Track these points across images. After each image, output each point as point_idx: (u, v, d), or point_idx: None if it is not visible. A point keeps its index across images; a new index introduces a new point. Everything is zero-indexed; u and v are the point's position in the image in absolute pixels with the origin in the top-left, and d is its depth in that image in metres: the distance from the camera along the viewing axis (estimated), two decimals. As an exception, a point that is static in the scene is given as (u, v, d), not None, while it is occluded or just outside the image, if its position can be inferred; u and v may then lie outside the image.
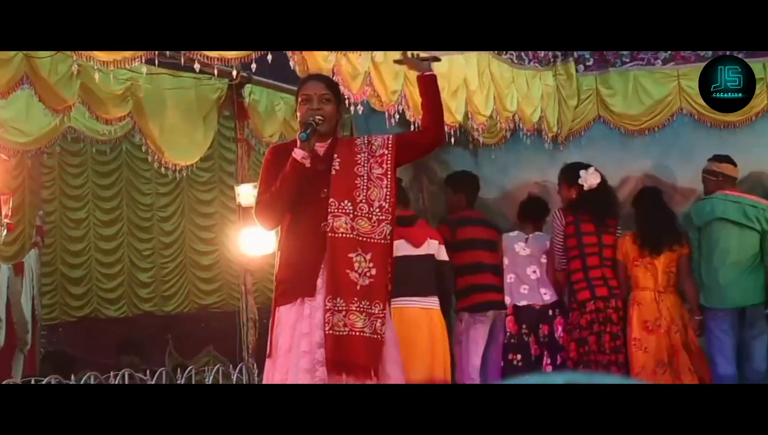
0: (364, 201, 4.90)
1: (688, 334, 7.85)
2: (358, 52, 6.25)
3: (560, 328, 8.10)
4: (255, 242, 8.20)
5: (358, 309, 4.80)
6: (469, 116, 7.78)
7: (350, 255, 4.83)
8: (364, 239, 4.87)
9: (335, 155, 4.99)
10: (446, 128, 7.58)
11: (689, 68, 8.99)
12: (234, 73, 7.34)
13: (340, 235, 4.85)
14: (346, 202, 4.89)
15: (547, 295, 8.17)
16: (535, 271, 8.18)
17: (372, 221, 4.90)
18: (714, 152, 8.55)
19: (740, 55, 7.31)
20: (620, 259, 8.01)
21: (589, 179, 8.00)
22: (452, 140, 7.88)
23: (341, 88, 6.61)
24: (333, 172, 4.94)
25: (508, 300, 8.08)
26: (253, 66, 6.38)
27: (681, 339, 7.85)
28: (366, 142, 5.09)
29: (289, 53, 6.12)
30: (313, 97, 5.00)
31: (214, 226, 12.89)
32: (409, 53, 5.21)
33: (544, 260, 8.21)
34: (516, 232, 8.31)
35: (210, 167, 12.51)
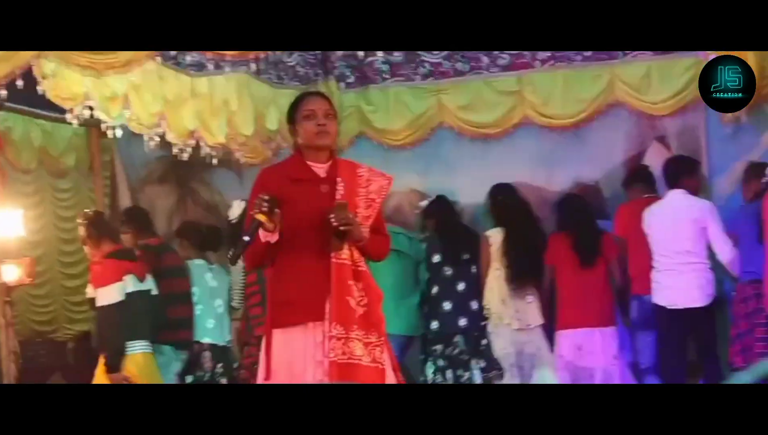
0: None
1: None
2: (115, 75, 6.08)
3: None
4: (13, 273, 7.91)
5: (356, 337, 4.66)
6: (231, 137, 7.70)
7: (350, 282, 4.71)
8: (357, 268, 4.76)
9: (339, 179, 4.80)
10: (210, 150, 7.52)
11: (448, 83, 9.17)
12: (-16, 100, 7.05)
13: (342, 261, 4.71)
14: None
15: (228, 337, 7.90)
16: (220, 306, 7.85)
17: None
18: (475, 165, 8.76)
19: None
20: None
21: (234, 211, 7.97)
22: (215, 161, 7.79)
23: (98, 112, 6.48)
24: (338, 198, 4.75)
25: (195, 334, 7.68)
26: (3, 92, 6.13)
27: None
28: (366, 177, 4.89)
29: (39, 78, 5.93)
30: (317, 113, 4.78)
31: (-29, 258, 12.37)
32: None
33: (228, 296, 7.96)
34: (202, 261, 7.90)
35: (-35, 197, 12.01)
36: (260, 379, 4.69)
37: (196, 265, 7.77)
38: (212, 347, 7.67)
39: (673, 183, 7.97)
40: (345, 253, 4.69)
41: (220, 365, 7.70)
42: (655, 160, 8.63)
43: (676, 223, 7.79)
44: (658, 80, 8.78)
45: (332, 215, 4.60)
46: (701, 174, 8.29)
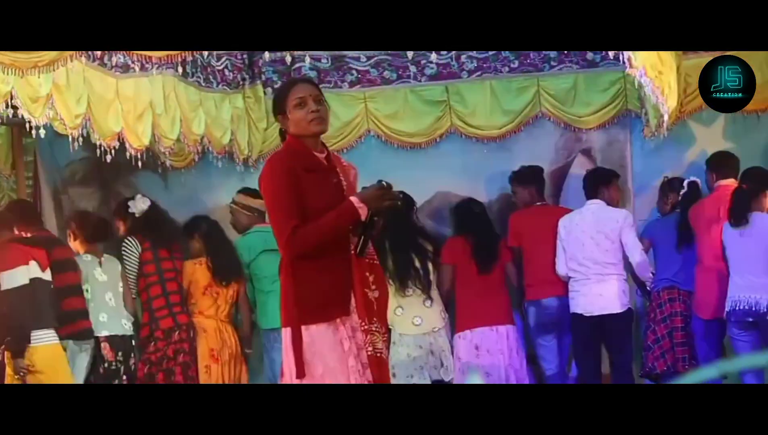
0: None
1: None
2: (38, 74, 5.99)
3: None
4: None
5: (376, 330, 4.67)
6: (157, 139, 7.63)
7: (366, 274, 4.70)
8: (372, 261, 4.76)
9: (337, 169, 4.80)
10: (134, 152, 7.43)
11: (376, 90, 9.17)
12: None
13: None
14: None
15: (128, 325, 7.75)
16: (111, 299, 7.71)
17: None
18: (401, 173, 8.79)
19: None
20: (186, 284, 8.08)
21: (138, 205, 7.97)
22: (140, 164, 7.71)
23: (22, 112, 6.38)
24: (345, 185, 4.77)
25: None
26: None
27: (244, 369, 8.21)
28: (346, 166, 4.94)
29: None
30: (308, 100, 4.74)
31: None
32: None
33: (120, 288, 7.83)
34: (90, 257, 7.73)
35: None
36: (288, 378, 4.62)
37: (84, 260, 7.64)
38: (109, 338, 7.54)
39: (592, 193, 8.14)
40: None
41: (120, 353, 7.57)
42: (580, 172, 8.76)
43: (595, 234, 8.00)
44: (584, 93, 8.90)
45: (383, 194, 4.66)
46: (620, 186, 8.44)
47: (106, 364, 7.52)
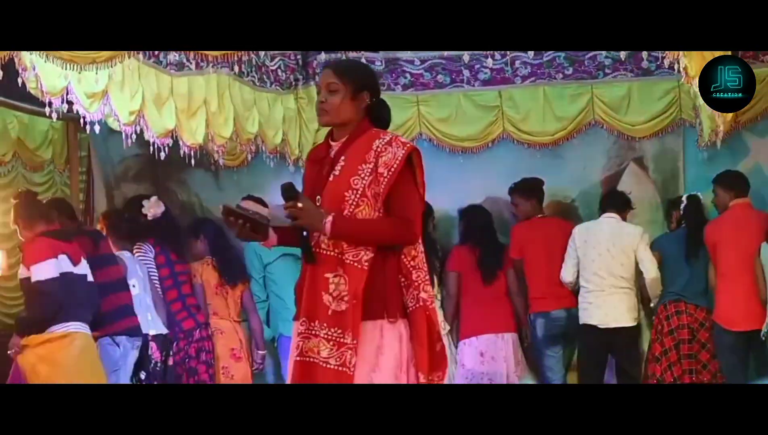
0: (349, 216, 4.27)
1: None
2: (95, 70, 6.05)
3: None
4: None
5: (327, 336, 4.18)
6: (210, 138, 7.65)
7: (327, 275, 4.22)
8: (345, 259, 4.23)
9: (343, 157, 4.34)
10: (188, 150, 7.46)
11: (429, 94, 9.16)
12: (-39, 90, 6.96)
13: (321, 250, 4.27)
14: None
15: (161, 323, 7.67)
16: (148, 297, 7.64)
17: None
18: (453, 178, 8.77)
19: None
20: (199, 282, 8.08)
21: (152, 209, 7.98)
22: (192, 162, 7.75)
23: (77, 107, 6.41)
24: (331, 178, 4.33)
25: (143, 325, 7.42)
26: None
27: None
28: (378, 150, 4.28)
29: (20, 70, 5.87)
30: (321, 88, 4.39)
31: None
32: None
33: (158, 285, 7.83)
34: (128, 254, 7.64)
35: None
36: None
37: (128, 257, 7.58)
38: (156, 337, 7.48)
39: (612, 209, 8.37)
40: (326, 241, 4.26)
41: (164, 354, 7.53)
42: (632, 181, 8.75)
43: (611, 247, 8.22)
44: (638, 102, 8.87)
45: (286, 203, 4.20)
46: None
47: (152, 365, 7.43)
